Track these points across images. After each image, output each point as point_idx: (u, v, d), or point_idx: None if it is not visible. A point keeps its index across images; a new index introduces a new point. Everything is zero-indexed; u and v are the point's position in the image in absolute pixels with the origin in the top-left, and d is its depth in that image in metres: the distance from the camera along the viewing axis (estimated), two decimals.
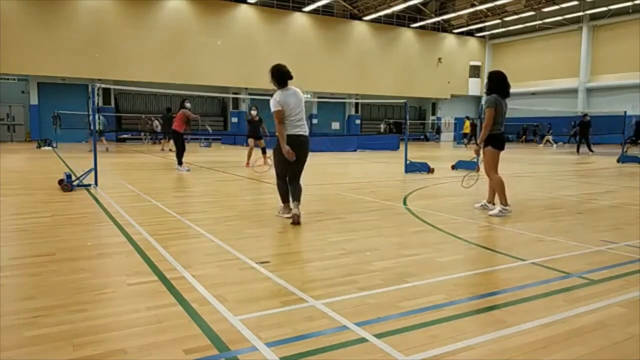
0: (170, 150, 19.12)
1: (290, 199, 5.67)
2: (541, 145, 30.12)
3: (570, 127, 29.68)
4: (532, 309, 2.97)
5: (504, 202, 6.15)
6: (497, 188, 6.18)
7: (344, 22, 34.97)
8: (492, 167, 6.21)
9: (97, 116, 19.91)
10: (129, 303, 3.01)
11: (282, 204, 5.84)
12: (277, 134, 5.42)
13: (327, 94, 34.51)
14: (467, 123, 28.88)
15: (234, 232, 5.01)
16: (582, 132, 21.16)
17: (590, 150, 21.37)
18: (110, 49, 27.21)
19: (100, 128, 19.96)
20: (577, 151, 21.64)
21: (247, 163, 12.92)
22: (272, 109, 5.38)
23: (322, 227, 5.31)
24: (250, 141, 13.05)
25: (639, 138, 20.55)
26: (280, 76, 5.45)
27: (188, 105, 11.83)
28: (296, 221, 5.36)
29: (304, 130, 5.53)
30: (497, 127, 6.13)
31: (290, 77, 5.51)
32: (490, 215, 6.09)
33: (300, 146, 5.46)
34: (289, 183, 5.63)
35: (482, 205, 6.48)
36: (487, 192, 6.51)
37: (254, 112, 12.92)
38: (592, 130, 21.51)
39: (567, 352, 2.41)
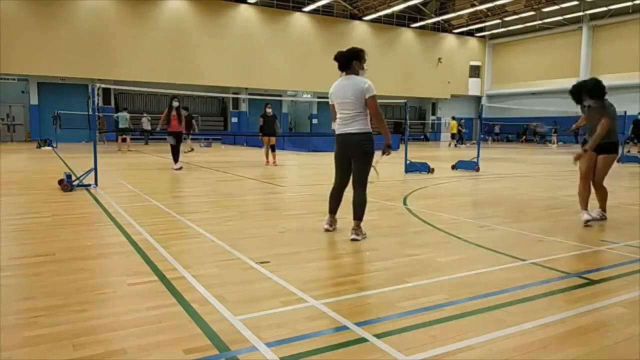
0: (192, 149, 18.98)
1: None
2: (554, 146, 29.96)
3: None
4: (532, 309, 2.97)
5: (604, 207, 5.95)
6: (605, 195, 5.94)
7: (344, 22, 34.91)
8: (606, 176, 5.93)
9: (118, 114, 19.88)
10: (129, 303, 3.01)
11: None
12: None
13: (327, 94, 34.42)
14: (454, 123, 29.00)
15: (234, 232, 5.01)
16: None
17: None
18: (110, 49, 27.18)
19: (125, 125, 19.78)
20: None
21: (268, 161, 13.48)
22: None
23: (322, 227, 5.31)
24: (265, 139, 13.64)
25: (638, 137, 20.20)
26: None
27: (175, 104, 11.80)
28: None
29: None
30: (615, 134, 5.76)
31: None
32: (588, 219, 5.58)
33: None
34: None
35: (600, 216, 5.96)
36: (599, 202, 6.03)
37: (268, 110, 13.37)
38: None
39: (567, 352, 2.41)
